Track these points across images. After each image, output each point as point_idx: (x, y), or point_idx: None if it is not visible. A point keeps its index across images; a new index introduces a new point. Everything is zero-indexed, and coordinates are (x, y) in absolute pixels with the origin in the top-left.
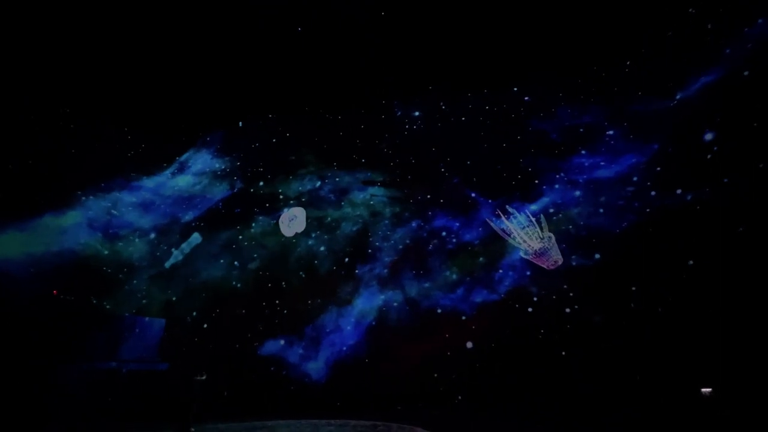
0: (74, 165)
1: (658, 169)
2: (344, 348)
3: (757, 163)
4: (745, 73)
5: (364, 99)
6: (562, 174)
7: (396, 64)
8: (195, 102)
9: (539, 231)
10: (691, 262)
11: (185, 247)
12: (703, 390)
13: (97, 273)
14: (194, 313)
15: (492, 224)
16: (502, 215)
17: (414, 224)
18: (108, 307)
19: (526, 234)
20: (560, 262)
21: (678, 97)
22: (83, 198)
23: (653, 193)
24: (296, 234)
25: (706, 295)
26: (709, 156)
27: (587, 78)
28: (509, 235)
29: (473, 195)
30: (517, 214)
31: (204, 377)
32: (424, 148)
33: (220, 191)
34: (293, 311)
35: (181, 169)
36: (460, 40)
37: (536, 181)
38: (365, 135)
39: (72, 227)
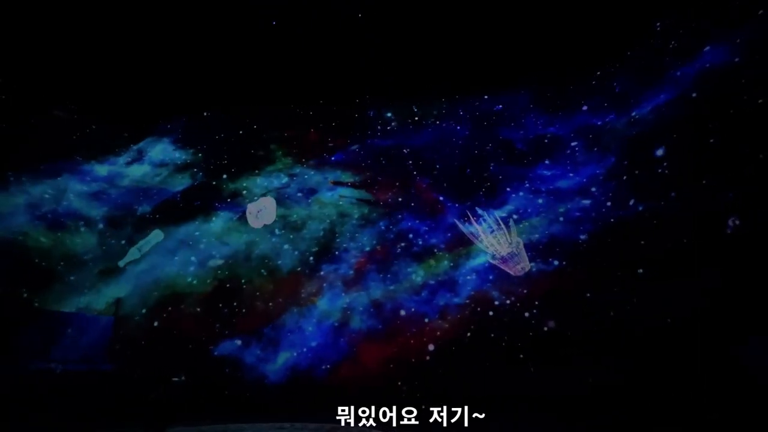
0: (8, 144)
1: (624, 178)
2: (305, 350)
3: (701, 179)
4: (693, 94)
5: (338, 97)
6: (526, 182)
7: (372, 66)
8: (155, 86)
9: (508, 236)
10: (641, 271)
11: (143, 244)
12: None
13: (37, 266)
14: (143, 311)
15: (461, 227)
16: (471, 218)
17: (382, 226)
18: (37, 304)
19: (495, 238)
20: (527, 269)
21: (634, 114)
22: (13, 179)
23: (609, 204)
24: (263, 228)
25: (654, 301)
26: (659, 170)
27: (555, 90)
28: (477, 239)
29: (441, 198)
30: (486, 217)
31: (183, 378)
32: (395, 150)
33: (179, 183)
34: (253, 311)
35: (138, 157)
36: (435, 46)
37: (506, 189)
38: (337, 134)
39: (6, 213)
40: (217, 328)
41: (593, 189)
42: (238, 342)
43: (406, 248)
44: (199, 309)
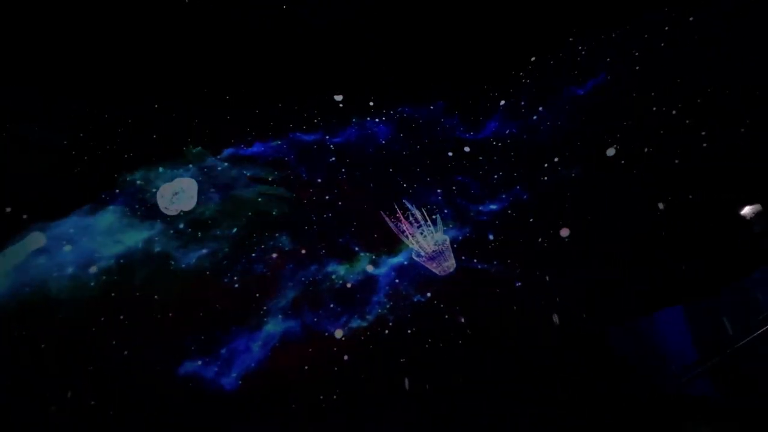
0: None
1: (530, 183)
2: (210, 359)
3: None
4: (582, 118)
5: (261, 83)
6: (444, 184)
7: (301, 57)
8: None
9: (434, 233)
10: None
11: (17, 251)
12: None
13: None
14: None
15: (388, 221)
16: (398, 210)
17: (302, 225)
18: None
19: (421, 235)
20: (453, 269)
21: (547, 123)
22: None
23: (516, 207)
24: (162, 225)
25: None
26: (560, 177)
27: (471, 98)
28: (402, 234)
29: (365, 196)
30: (413, 210)
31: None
32: (319, 145)
33: (54, 170)
34: (149, 318)
35: None
36: (363, 47)
37: (426, 189)
38: (257, 124)
39: None
40: (102, 340)
41: (502, 193)
42: (127, 353)
43: (326, 248)
44: (78, 318)
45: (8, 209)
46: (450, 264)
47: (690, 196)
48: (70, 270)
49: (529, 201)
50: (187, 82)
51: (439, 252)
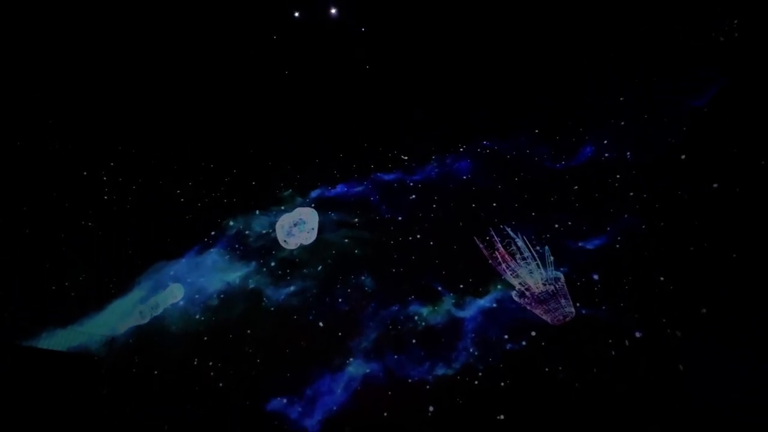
0: None
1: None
2: (297, 397)
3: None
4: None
5: (344, 130)
6: (534, 219)
7: (378, 96)
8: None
9: (542, 269)
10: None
11: (160, 301)
12: None
13: None
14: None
15: (483, 250)
16: (496, 239)
17: (385, 266)
18: None
19: (527, 270)
20: (572, 317)
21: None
22: None
23: (621, 239)
24: (257, 264)
25: None
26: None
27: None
28: (500, 266)
29: (449, 234)
30: (517, 239)
31: None
32: (401, 186)
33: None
34: (244, 354)
35: None
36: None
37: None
38: (341, 166)
39: None
40: (202, 372)
41: (606, 224)
42: (222, 385)
43: (412, 290)
44: (187, 350)
45: (130, 251)
46: (569, 311)
47: None
48: (181, 304)
49: (643, 231)
50: (278, 131)
51: (551, 293)
